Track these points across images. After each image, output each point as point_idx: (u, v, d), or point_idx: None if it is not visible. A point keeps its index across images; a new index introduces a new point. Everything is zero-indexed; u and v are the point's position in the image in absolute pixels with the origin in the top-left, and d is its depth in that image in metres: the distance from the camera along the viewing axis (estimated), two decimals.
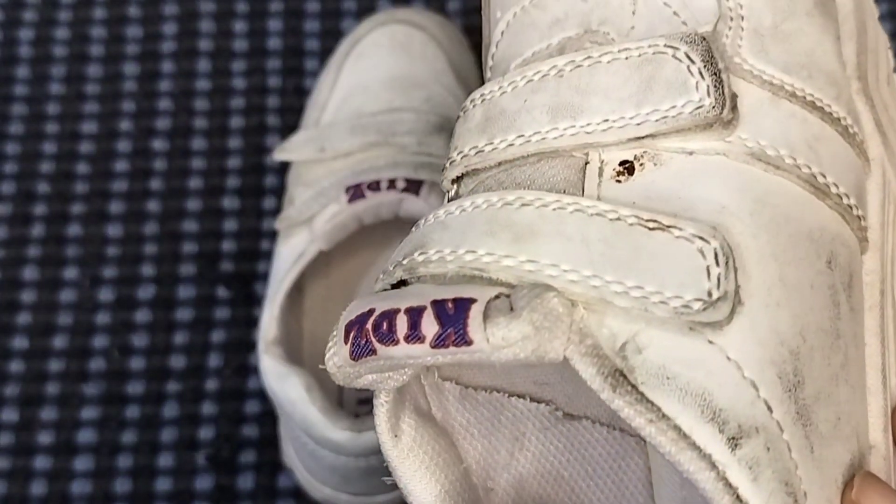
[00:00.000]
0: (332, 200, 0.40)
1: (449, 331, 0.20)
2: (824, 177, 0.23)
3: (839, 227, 0.23)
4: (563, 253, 0.21)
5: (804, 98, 0.23)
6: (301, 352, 0.42)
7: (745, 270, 0.21)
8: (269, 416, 0.43)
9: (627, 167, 0.23)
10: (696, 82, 0.22)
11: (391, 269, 0.23)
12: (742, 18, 0.24)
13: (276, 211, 0.47)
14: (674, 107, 0.22)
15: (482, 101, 0.25)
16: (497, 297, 0.20)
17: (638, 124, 0.23)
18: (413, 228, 0.24)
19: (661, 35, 0.24)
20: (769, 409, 0.20)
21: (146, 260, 0.46)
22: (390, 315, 0.21)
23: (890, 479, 0.23)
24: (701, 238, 0.21)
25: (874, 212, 0.25)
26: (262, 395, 0.44)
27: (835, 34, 0.25)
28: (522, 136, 0.24)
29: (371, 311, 0.22)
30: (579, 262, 0.21)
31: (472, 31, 0.50)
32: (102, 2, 0.51)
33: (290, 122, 0.48)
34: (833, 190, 0.23)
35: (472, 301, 0.20)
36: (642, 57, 0.23)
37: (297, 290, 0.42)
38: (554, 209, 0.22)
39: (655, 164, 0.22)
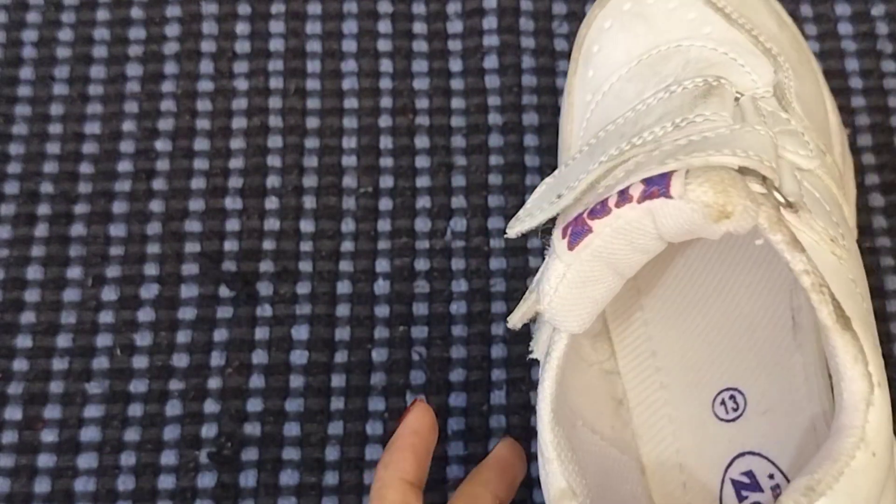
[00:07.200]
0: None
1: (653, 187, 0.24)
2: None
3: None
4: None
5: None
6: None
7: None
8: (270, 413, 0.44)
9: None
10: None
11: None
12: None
13: (278, 211, 0.47)
14: None
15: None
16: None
17: None
18: None
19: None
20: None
21: (149, 259, 0.47)
22: (603, 198, 0.25)
23: None
24: None
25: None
26: (264, 394, 0.44)
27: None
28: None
29: (584, 210, 0.26)
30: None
31: (469, 32, 0.50)
32: (106, 4, 0.52)
33: (292, 123, 0.49)
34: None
35: (672, 171, 0.25)
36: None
37: None
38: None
39: None
